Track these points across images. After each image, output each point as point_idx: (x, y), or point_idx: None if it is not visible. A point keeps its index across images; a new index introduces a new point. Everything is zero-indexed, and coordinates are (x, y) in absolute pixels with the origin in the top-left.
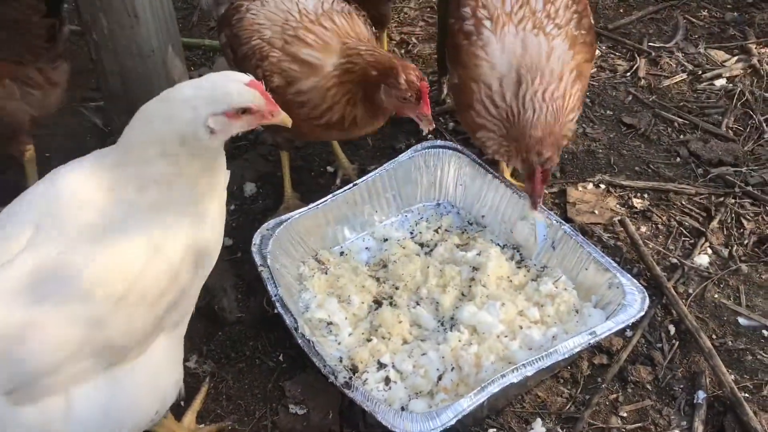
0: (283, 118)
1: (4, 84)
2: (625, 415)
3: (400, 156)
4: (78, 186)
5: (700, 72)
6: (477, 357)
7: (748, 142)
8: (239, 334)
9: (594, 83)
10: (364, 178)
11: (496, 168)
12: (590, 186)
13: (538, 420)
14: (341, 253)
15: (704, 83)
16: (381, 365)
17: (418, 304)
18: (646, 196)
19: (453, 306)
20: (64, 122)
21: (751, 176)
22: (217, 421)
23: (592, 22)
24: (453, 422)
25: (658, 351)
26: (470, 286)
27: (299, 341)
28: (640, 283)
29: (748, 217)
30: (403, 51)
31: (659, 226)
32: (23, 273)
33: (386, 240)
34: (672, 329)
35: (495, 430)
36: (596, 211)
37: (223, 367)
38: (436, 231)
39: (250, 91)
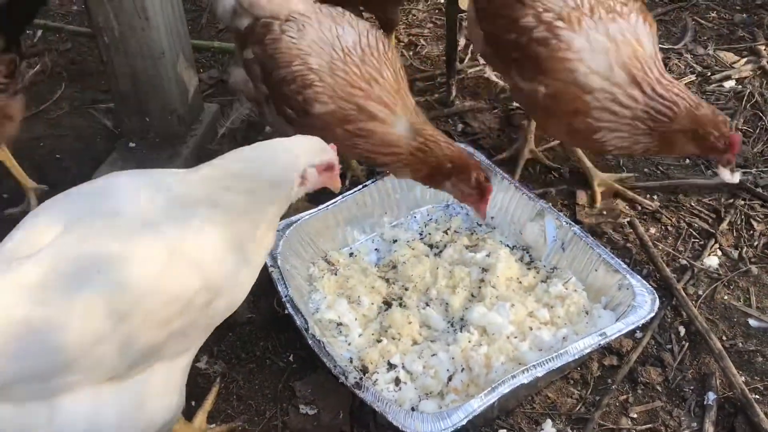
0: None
1: None
2: (635, 416)
3: None
4: (130, 193)
5: (709, 73)
6: (487, 358)
7: (757, 144)
8: (250, 335)
9: None
10: (374, 179)
11: (505, 169)
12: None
13: (548, 421)
14: (351, 254)
15: (713, 85)
16: (391, 366)
17: (427, 305)
18: (655, 197)
19: (462, 307)
20: (74, 124)
21: (761, 177)
22: (227, 421)
23: None
24: (464, 422)
25: (668, 352)
26: (480, 287)
27: (310, 342)
28: (650, 285)
29: (758, 219)
30: (411, 52)
31: (669, 227)
32: (39, 269)
33: (395, 241)
34: (682, 330)
35: (505, 430)
36: (605, 213)
37: (233, 367)
38: (446, 232)
39: (334, 151)
